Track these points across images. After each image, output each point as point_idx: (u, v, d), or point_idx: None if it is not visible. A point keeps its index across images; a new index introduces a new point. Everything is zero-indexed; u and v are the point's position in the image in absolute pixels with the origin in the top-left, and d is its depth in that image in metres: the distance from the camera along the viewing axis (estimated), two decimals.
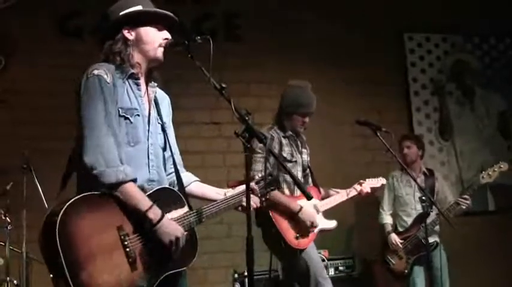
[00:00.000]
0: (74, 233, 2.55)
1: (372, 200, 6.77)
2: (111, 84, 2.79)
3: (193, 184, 3.24)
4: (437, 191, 5.97)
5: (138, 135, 2.88)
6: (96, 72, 2.78)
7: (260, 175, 3.26)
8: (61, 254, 2.49)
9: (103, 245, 2.60)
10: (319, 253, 6.01)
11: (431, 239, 5.51)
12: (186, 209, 2.94)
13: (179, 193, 2.98)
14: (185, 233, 2.82)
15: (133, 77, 2.92)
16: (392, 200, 6.09)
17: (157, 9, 2.99)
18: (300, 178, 4.78)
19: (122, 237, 2.66)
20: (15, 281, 5.18)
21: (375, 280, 6.41)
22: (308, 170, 4.97)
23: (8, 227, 5.18)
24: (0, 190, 5.20)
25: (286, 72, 6.98)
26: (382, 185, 5.36)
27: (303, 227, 4.61)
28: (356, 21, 7.21)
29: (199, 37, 2.95)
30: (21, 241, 5.17)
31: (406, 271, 5.77)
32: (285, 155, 4.66)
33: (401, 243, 5.78)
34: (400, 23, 7.48)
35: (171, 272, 2.80)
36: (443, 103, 7.59)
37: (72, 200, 2.60)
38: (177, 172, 3.08)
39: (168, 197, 2.91)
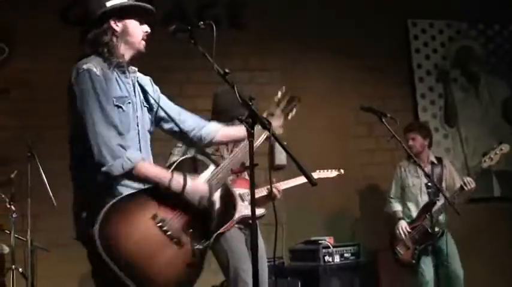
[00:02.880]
0: (117, 244, 2.64)
1: (379, 189, 6.80)
2: (101, 77, 2.83)
3: (219, 134, 3.36)
4: (446, 178, 5.93)
5: (129, 122, 2.93)
6: (85, 66, 2.83)
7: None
8: (113, 266, 2.59)
9: (146, 240, 2.72)
10: (324, 239, 6.06)
11: (437, 228, 5.49)
12: (212, 168, 3.06)
13: (199, 157, 3.11)
14: (217, 189, 2.96)
15: (120, 66, 2.98)
16: (400, 190, 6.05)
17: (145, 5, 3.04)
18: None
19: (159, 224, 2.77)
20: (20, 269, 5.21)
21: (379, 268, 6.43)
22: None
23: (13, 216, 5.20)
24: (5, 178, 5.22)
25: (289, 60, 6.99)
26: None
27: None
28: (359, 7, 7.18)
29: (202, 23, 2.95)
30: (26, 229, 5.20)
31: (413, 261, 5.76)
32: (209, 151, 4.59)
33: (408, 233, 5.76)
34: (403, 9, 7.43)
35: (221, 230, 2.95)
36: (448, 89, 7.57)
37: (102, 214, 2.65)
38: (195, 129, 3.25)
39: (190, 165, 3.01)
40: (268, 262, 4.71)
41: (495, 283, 6.68)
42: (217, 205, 2.97)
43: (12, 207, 5.20)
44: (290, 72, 6.90)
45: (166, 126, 3.28)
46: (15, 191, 5.26)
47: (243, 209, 4.51)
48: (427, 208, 5.58)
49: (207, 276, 5.69)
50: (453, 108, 7.53)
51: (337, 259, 6.00)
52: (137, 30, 3.03)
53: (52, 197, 5.09)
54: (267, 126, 2.73)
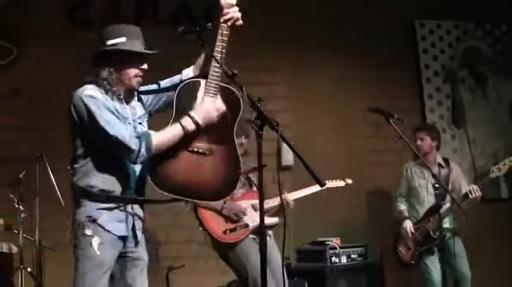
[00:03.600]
0: (167, 179, 3.26)
1: (386, 189, 6.79)
2: (102, 99, 3.19)
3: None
4: (452, 182, 5.90)
5: None
6: (86, 92, 3.19)
7: None
8: (173, 195, 3.29)
9: (187, 164, 3.27)
10: (331, 240, 6.05)
11: (438, 232, 5.46)
12: (203, 83, 3.34)
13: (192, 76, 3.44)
14: (216, 95, 3.28)
15: (117, 96, 3.29)
16: (407, 190, 6.04)
17: (140, 51, 3.28)
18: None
19: (190, 149, 3.27)
20: (28, 269, 5.23)
21: (385, 269, 6.43)
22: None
23: (22, 216, 5.22)
24: (14, 178, 5.24)
25: (297, 60, 6.99)
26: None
27: (230, 222, 4.70)
28: (368, 7, 7.17)
29: (210, 24, 2.98)
30: (34, 229, 5.22)
31: (412, 261, 5.75)
32: None
33: (412, 233, 5.75)
34: (411, 10, 7.42)
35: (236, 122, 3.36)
36: (456, 90, 7.55)
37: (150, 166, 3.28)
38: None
39: (189, 88, 3.36)
40: None
41: (502, 283, 6.66)
42: (224, 107, 3.30)
43: (21, 207, 5.23)
44: (297, 72, 6.91)
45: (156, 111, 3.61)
46: (23, 191, 5.28)
47: (257, 219, 4.54)
48: (432, 211, 5.58)
49: (214, 276, 5.75)
50: (461, 109, 7.51)
51: (343, 259, 6.00)
52: (131, 70, 3.28)
53: (60, 196, 5.11)
54: (275, 127, 2.75)
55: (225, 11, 3.30)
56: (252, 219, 4.70)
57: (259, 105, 2.83)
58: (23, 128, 5.96)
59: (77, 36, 6.32)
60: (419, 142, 5.84)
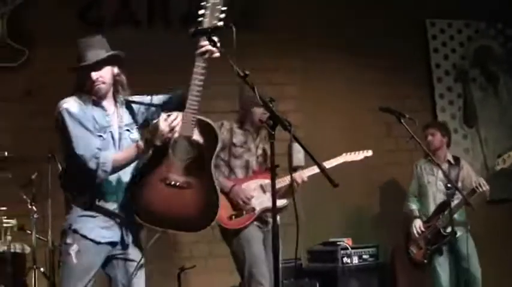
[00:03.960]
0: (147, 211, 3.39)
1: (397, 189, 6.78)
2: (78, 112, 3.36)
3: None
4: (462, 179, 5.89)
5: (109, 147, 3.40)
6: (65, 105, 3.39)
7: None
8: (153, 227, 3.44)
9: (167, 198, 3.37)
10: (343, 241, 6.04)
11: (449, 229, 5.46)
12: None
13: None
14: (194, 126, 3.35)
15: (96, 104, 3.45)
16: (418, 188, 6.04)
17: (82, 63, 3.42)
18: (254, 164, 4.74)
19: (171, 183, 3.36)
20: (42, 269, 5.25)
21: (397, 270, 6.41)
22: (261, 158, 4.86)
23: (34, 216, 5.24)
24: (26, 179, 5.26)
25: (308, 60, 6.98)
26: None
27: (237, 206, 4.58)
28: (378, 7, 7.16)
29: (222, 24, 2.98)
30: (47, 229, 5.24)
31: (424, 260, 5.74)
32: (237, 143, 4.68)
33: (422, 232, 5.74)
34: (422, 9, 7.40)
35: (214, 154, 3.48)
36: (467, 89, 7.52)
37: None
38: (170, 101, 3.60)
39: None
40: (286, 262, 4.70)
41: (511, 284, 6.64)
42: (201, 140, 3.39)
43: (34, 207, 5.24)
44: (308, 72, 6.91)
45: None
46: (35, 192, 5.30)
47: (266, 201, 4.53)
48: (441, 208, 5.58)
49: (225, 276, 5.75)
50: (472, 108, 7.49)
51: (355, 260, 5.99)
52: (88, 80, 3.42)
53: None
54: (288, 127, 2.75)
55: (202, 43, 3.33)
56: (259, 201, 4.60)
57: (271, 105, 2.84)
58: (35, 129, 5.97)
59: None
60: (429, 138, 5.87)
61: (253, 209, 4.59)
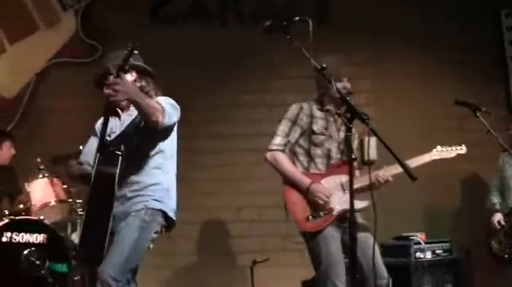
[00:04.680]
0: None
1: (471, 184, 6.67)
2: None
3: None
4: None
5: None
6: None
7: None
8: None
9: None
10: (416, 235, 5.97)
11: None
12: None
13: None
14: None
15: None
16: (500, 182, 5.94)
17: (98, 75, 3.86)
18: (336, 152, 4.36)
19: None
20: None
21: (473, 265, 6.30)
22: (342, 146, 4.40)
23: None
24: None
25: (378, 55, 6.96)
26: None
27: (315, 206, 4.23)
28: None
29: (297, 18, 3.00)
30: None
31: (505, 255, 5.64)
32: (317, 130, 4.35)
33: (502, 226, 5.64)
34: None
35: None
36: None
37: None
38: None
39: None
40: None
41: None
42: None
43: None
44: (380, 67, 6.89)
45: None
46: None
47: (345, 201, 4.03)
48: None
49: (298, 270, 5.78)
50: None
51: (428, 255, 5.92)
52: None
53: None
54: (365, 120, 2.75)
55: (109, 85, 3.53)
56: (338, 201, 4.23)
57: (348, 98, 2.85)
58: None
59: (159, 34, 6.48)
60: None
61: (332, 209, 4.24)
